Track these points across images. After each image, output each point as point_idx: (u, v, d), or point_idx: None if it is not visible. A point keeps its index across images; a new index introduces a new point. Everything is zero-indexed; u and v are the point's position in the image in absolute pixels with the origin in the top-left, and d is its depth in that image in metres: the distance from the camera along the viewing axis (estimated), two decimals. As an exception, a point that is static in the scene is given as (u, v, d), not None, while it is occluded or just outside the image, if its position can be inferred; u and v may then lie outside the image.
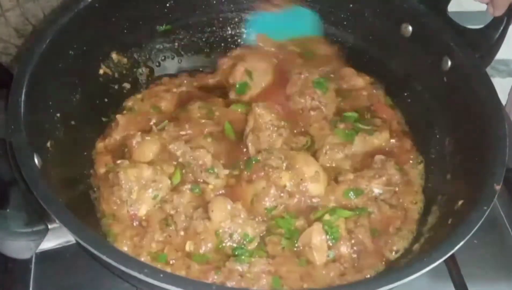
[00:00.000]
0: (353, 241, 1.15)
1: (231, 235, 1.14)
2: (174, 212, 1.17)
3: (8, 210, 1.00)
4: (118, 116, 1.35)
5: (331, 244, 1.14)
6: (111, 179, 1.20)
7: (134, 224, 1.17)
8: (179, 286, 0.87)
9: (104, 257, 0.90)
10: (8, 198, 1.01)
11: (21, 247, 0.99)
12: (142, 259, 1.11)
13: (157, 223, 1.17)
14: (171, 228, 1.16)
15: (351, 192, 1.22)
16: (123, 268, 0.89)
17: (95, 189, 1.23)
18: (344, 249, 1.14)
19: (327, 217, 1.16)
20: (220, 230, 1.14)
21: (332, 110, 1.38)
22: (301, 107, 1.37)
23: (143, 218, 1.18)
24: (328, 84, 1.39)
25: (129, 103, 1.40)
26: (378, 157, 1.27)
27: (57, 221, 0.95)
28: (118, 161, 1.23)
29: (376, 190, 1.23)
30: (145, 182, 1.18)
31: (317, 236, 1.12)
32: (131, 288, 1.13)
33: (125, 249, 1.13)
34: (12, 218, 0.98)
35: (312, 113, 1.36)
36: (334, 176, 1.26)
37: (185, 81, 1.47)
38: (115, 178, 1.19)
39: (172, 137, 1.29)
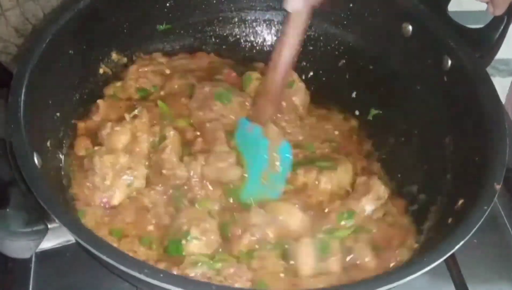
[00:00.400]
0: (349, 258, 1.13)
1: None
2: (152, 206, 1.17)
3: (8, 210, 1.00)
4: (99, 101, 1.32)
5: (321, 258, 1.12)
6: (85, 163, 1.19)
7: (106, 207, 1.17)
8: (179, 286, 0.87)
9: (103, 257, 0.90)
10: (8, 198, 1.01)
11: (21, 247, 0.98)
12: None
13: (134, 212, 1.16)
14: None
15: (345, 214, 1.19)
16: (123, 268, 0.89)
17: (68, 170, 1.22)
18: (334, 265, 1.12)
19: (320, 235, 1.15)
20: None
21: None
22: (201, 120, 1.32)
23: (116, 205, 1.17)
24: (231, 97, 1.35)
25: (109, 91, 1.37)
26: (360, 179, 1.25)
27: (56, 220, 0.95)
28: (96, 148, 1.23)
29: (368, 207, 1.20)
30: (120, 169, 1.18)
31: (303, 251, 1.11)
32: (131, 288, 1.13)
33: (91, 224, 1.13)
34: (12, 218, 0.98)
35: (208, 125, 1.31)
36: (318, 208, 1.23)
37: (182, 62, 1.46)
38: (90, 163, 1.18)
39: (144, 126, 1.27)
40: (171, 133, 1.24)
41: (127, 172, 1.18)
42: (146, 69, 1.40)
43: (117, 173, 1.17)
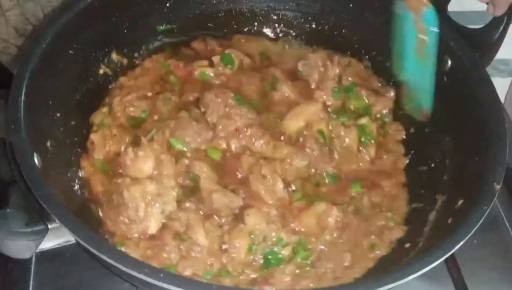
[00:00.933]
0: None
1: (264, 238, 1.13)
2: (183, 229, 1.14)
3: (8, 210, 1.00)
4: (92, 136, 1.26)
5: None
6: (115, 200, 1.15)
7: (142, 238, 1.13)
8: (179, 286, 0.87)
9: (104, 257, 0.90)
10: (8, 198, 1.01)
11: (21, 247, 0.98)
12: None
13: (172, 239, 1.13)
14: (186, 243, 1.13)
15: None
16: (123, 268, 0.89)
17: (98, 207, 1.19)
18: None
19: None
20: (254, 233, 1.14)
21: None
22: (234, 128, 1.30)
23: (154, 235, 1.14)
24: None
25: (96, 119, 1.30)
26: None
27: (57, 221, 0.95)
28: (119, 180, 1.16)
29: None
30: (151, 198, 1.14)
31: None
32: (131, 288, 1.13)
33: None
34: (12, 218, 0.98)
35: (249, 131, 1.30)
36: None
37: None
38: (120, 198, 1.14)
39: (163, 148, 1.24)
40: (202, 171, 1.22)
41: (157, 199, 1.14)
42: (130, 98, 1.33)
43: (148, 202, 1.14)
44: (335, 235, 1.18)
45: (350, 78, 1.40)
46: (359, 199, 1.25)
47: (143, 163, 1.18)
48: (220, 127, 1.29)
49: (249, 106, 1.33)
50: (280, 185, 1.22)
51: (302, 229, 1.18)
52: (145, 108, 1.32)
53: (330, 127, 1.32)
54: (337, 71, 1.40)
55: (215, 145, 1.28)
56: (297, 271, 1.12)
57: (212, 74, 1.42)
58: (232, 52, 1.45)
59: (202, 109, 1.32)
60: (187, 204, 1.17)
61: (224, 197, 1.18)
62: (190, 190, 1.21)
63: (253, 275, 1.11)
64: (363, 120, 1.33)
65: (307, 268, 1.13)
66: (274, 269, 1.12)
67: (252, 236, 1.13)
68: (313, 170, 1.28)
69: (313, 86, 1.40)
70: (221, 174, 1.25)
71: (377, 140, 1.35)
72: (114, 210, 1.15)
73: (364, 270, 1.14)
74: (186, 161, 1.24)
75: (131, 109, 1.32)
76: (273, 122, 1.33)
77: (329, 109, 1.37)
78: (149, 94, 1.36)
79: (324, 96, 1.37)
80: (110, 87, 1.39)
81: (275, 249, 1.13)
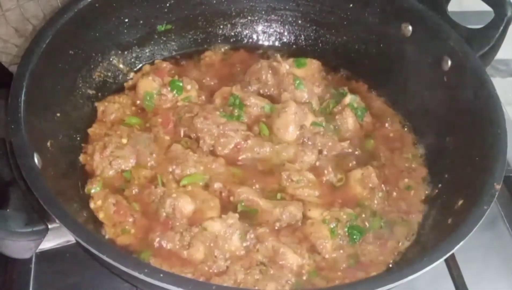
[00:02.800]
0: None
1: (337, 219, 1.17)
2: (267, 260, 1.12)
3: (8, 210, 1.00)
4: (99, 215, 1.17)
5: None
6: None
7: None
8: (179, 286, 0.87)
9: (103, 257, 0.90)
10: (8, 198, 1.01)
11: (21, 247, 0.99)
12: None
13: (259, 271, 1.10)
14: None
15: None
16: (123, 268, 0.89)
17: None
18: None
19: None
20: (325, 220, 1.18)
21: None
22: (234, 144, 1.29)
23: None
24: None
25: (91, 190, 1.20)
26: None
27: (57, 221, 0.95)
28: (193, 231, 1.12)
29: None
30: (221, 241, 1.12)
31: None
32: (131, 288, 1.13)
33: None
34: (12, 218, 0.98)
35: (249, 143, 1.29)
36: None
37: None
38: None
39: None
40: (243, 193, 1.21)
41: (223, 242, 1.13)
42: (108, 152, 1.24)
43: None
44: (384, 188, 1.25)
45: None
46: (379, 152, 1.33)
47: (184, 206, 1.16)
48: (220, 148, 1.27)
49: (236, 119, 1.32)
50: (310, 175, 1.25)
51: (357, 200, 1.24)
52: (128, 155, 1.24)
53: (320, 118, 1.35)
54: (288, 66, 1.42)
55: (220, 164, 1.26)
56: (378, 241, 1.16)
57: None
58: (184, 80, 1.39)
59: (193, 135, 1.30)
60: (261, 229, 1.15)
61: (284, 210, 1.18)
62: (249, 217, 1.18)
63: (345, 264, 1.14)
64: (347, 99, 1.38)
65: (384, 230, 1.19)
66: (363, 245, 1.16)
67: (326, 222, 1.16)
68: (334, 152, 1.31)
69: (273, 90, 1.42)
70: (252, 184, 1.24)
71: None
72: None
73: (419, 215, 1.22)
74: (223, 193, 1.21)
75: (116, 161, 1.23)
76: (264, 130, 1.33)
77: (313, 102, 1.39)
78: (124, 141, 1.27)
79: (291, 93, 1.39)
80: (109, 86, 1.40)
81: (353, 223, 1.17)
